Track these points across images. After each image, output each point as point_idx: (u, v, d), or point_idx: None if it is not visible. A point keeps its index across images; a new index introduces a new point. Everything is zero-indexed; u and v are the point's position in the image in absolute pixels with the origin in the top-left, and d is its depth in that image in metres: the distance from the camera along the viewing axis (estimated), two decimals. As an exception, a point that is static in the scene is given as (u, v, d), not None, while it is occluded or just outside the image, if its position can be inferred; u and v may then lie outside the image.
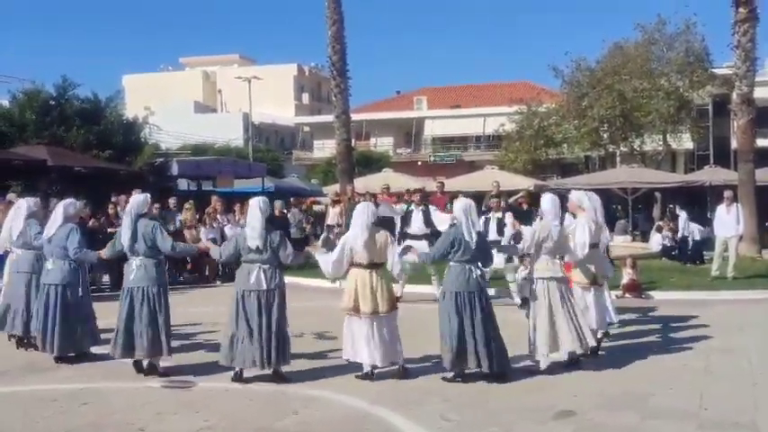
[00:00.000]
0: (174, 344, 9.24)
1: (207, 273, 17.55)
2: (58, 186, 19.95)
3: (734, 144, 29.41)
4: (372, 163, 46.26)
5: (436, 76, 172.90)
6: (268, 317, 7.90)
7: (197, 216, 17.91)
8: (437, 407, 7.09)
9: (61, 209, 9.23)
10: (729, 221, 16.27)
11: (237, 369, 7.99)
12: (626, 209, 29.38)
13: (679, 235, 20.28)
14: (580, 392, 7.51)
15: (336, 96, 24.19)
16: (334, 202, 21.39)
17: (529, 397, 7.40)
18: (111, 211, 16.70)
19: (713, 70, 36.77)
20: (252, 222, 8.07)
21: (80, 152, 24.34)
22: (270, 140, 67.02)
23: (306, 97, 78.05)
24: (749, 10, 20.72)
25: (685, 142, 40.57)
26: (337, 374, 8.19)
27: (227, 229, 17.03)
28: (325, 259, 8.36)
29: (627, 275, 14.27)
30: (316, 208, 31.24)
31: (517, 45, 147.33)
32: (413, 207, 14.08)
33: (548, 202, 8.59)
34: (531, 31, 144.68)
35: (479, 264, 8.11)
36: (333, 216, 20.77)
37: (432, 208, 14.08)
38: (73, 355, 9.07)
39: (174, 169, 26.93)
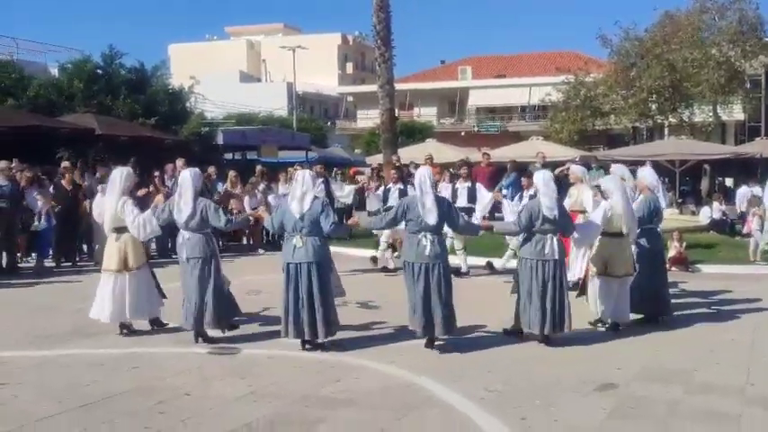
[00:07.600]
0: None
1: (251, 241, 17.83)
2: (105, 155, 20.24)
3: (787, 115, 28.75)
4: (416, 133, 46.16)
5: (481, 46, 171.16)
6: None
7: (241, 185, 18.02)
8: (481, 378, 7.09)
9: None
10: (780, 194, 15.94)
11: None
12: (673, 181, 28.88)
13: (737, 210, 19.95)
14: (624, 365, 7.46)
15: (380, 66, 23.97)
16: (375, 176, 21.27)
17: (572, 369, 7.36)
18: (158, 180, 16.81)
19: (767, 39, 35.87)
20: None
21: (127, 121, 24.63)
22: (314, 110, 67.12)
23: (350, 67, 77.89)
24: (806, -23, 20.16)
25: (736, 113, 39.75)
26: (381, 344, 8.24)
27: (271, 199, 17.10)
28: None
29: (674, 249, 14.08)
30: (359, 178, 31.29)
31: (565, 13, 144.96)
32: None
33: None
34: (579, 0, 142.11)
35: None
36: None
37: (478, 185, 13.67)
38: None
39: (220, 138, 27.22)
